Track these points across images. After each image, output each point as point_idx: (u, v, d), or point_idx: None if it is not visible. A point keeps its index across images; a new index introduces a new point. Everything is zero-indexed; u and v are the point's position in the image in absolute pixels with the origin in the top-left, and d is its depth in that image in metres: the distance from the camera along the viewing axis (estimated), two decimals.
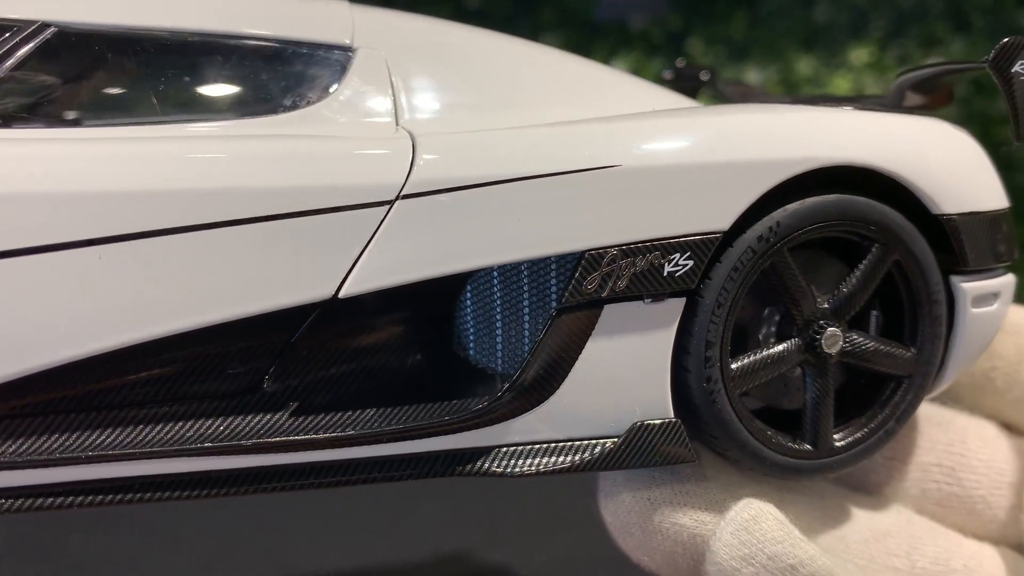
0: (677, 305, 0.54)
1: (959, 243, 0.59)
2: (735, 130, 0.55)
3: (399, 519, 1.00)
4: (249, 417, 0.50)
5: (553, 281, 0.53)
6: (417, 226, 0.50)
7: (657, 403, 0.55)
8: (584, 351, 0.53)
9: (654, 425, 0.55)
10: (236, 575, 1.08)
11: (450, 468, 0.53)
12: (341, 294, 0.49)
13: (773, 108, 0.59)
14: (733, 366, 0.56)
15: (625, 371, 0.55)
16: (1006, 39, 0.58)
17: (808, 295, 0.57)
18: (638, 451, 0.55)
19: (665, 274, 0.53)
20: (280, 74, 0.56)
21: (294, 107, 0.55)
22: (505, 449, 0.54)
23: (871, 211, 0.56)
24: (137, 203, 0.46)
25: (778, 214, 0.54)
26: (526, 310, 0.54)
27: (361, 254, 0.49)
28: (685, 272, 0.53)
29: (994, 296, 0.61)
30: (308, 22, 0.58)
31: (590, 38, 1.52)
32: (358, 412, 0.52)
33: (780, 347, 0.57)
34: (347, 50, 0.57)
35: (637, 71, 1.51)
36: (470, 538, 0.96)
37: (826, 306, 0.58)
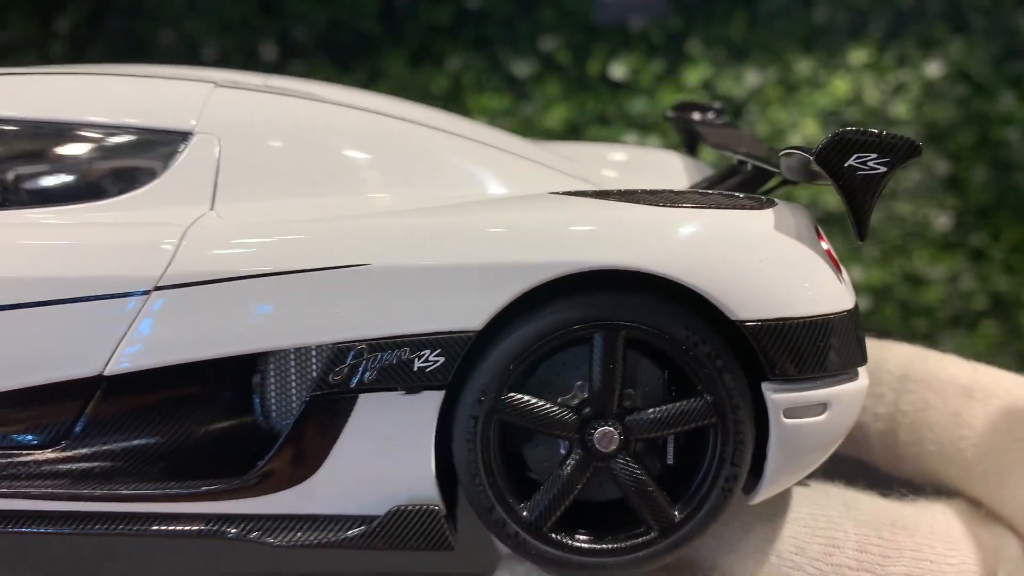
0: (435, 397, 0.55)
1: (761, 351, 0.55)
2: (488, 232, 0.56)
3: None
4: (44, 468, 0.56)
5: (308, 369, 0.56)
6: (172, 315, 0.55)
7: (421, 488, 0.57)
8: (342, 436, 0.56)
9: (413, 510, 0.56)
10: (235, 575, 1.08)
11: (215, 531, 0.57)
12: (106, 372, 0.55)
13: (554, 206, 0.58)
14: (526, 514, 0.56)
15: (385, 457, 0.56)
16: (837, 130, 0.54)
17: (555, 418, 0.56)
18: (395, 534, 0.57)
19: (415, 369, 0.54)
20: (113, 161, 0.60)
21: (119, 193, 0.59)
22: (268, 520, 0.57)
23: (581, 311, 0.55)
24: None
25: (482, 378, 0.55)
26: (292, 393, 0.57)
27: (123, 338, 0.55)
28: (437, 368, 0.54)
29: (820, 407, 0.57)
30: (154, 107, 0.61)
31: (590, 39, 1.52)
32: (141, 472, 0.56)
33: (563, 473, 0.56)
34: (185, 135, 0.60)
35: (636, 72, 1.51)
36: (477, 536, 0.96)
37: (585, 411, 0.56)
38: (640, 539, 0.57)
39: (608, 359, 0.56)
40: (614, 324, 0.55)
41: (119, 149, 0.60)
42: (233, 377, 0.57)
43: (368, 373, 0.54)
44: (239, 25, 1.52)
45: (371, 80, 1.51)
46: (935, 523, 0.62)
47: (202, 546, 1.13)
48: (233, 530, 0.57)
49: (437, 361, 0.54)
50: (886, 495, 0.65)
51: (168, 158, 0.59)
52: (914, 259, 1.48)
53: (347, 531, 0.57)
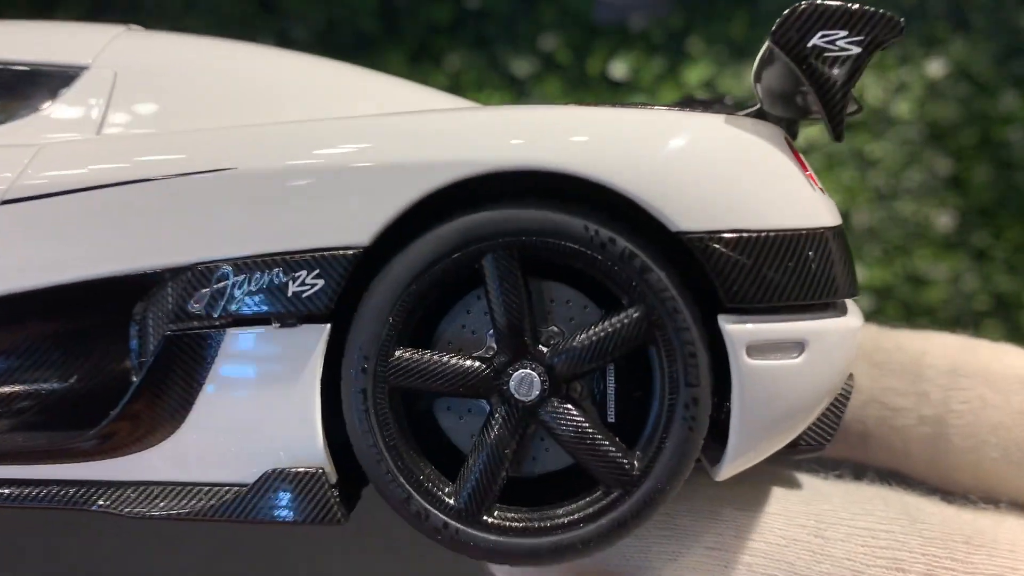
0: (317, 333, 0.47)
1: (713, 271, 0.45)
2: (373, 130, 0.48)
3: (395, 522, 0.99)
4: None
5: (168, 299, 0.48)
6: (18, 233, 0.49)
7: (303, 448, 0.48)
8: (207, 383, 0.48)
9: (291, 473, 0.48)
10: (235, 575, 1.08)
11: (66, 499, 0.49)
12: None
13: (455, 111, 0.51)
14: (452, 500, 0.47)
15: (259, 409, 0.48)
16: (795, 5, 0.45)
17: (460, 371, 0.47)
18: (268, 503, 0.48)
19: (290, 294, 0.46)
20: (3, 93, 0.57)
21: (4, 121, 0.55)
22: (125, 487, 0.49)
23: (459, 232, 0.46)
24: None
25: (361, 337, 0.46)
26: (152, 329, 0.49)
27: None
28: (314, 293, 0.46)
29: (795, 346, 0.47)
30: (55, 45, 0.58)
31: (590, 38, 1.52)
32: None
33: (488, 439, 0.47)
34: (78, 69, 0.57)
35: (637, 71, 1.51)
36: None
37: (498, 360, 0.47)
38: (600, 503, 0.47)
39: (505, 285, 0.46)
40: (499, 241, 0.46)
41: (9, 83, 0.57)
42: (106, 314, 0.49)
43: (235, 300, 0.46)
44: (238, 23, 1.51)
45: None
46: (1016, 539, 0.52)
47: (201, 546, 1.12)
48: (88, 499, 0.49)
49: (314, 284, 0.46)
50: (950, 500, 0.55)
51: (58, 90, 0.56)
52: (916, 259, 1.47)
53: (212, 500, 0.48)
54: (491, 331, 0.48)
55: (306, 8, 1.51)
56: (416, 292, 0.46)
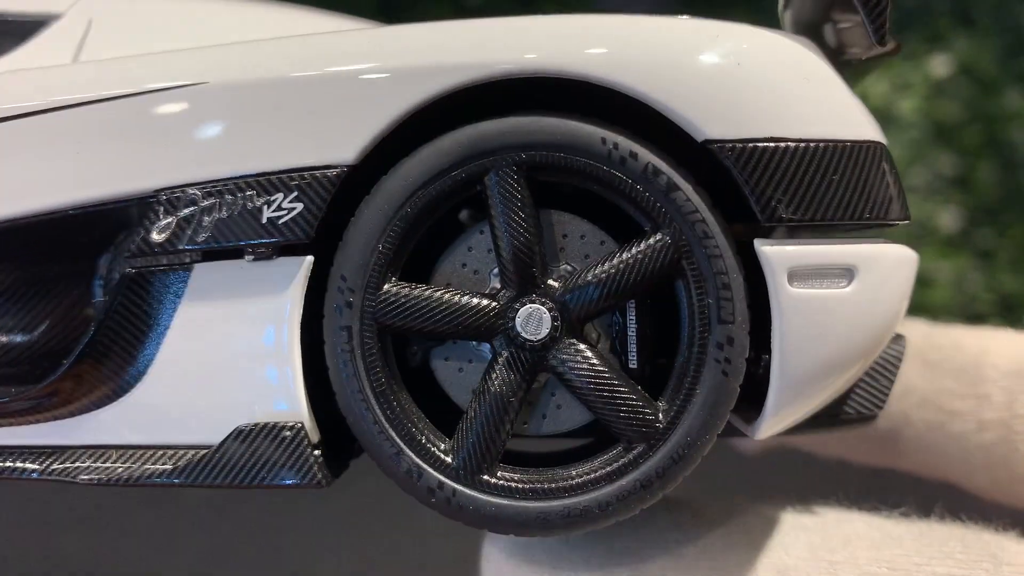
0: (296, 266, 0.42)
1: (746, 184, 0.41)
2: (361, 40, 0.44)
3: (394, 523, 0.99)
4: None
5: (130, 233, 0.43)
6: None
7: (280, 401, 0.43)
8: (172, 328, 0.42)
9: (264, 428, 0.42)
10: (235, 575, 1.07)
11: (14, 465, 0.43)
12: None
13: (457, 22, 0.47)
14: (449, 458, 0.42)
15: (230, 357, 0.43)
16: None
17: (460, 307, 0.42)
18: (238, 464, 0.42)
19: (264, 220, 0.42)
20: None
21: None
22: (78, 450, 0.43)
23: (459, 147, 0.42)
24: None
25: (345, 265, 0.41)
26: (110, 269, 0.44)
27: None
28: (292, 219, 0.41)
29: (843, 272, 0.42)
30: None
31: None
32: None
33: (492, 385, 0.42)
34: (51, 17, 0.53)
35: None
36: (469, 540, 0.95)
37: (503, 295, 0.42)
38: (621, 460, 0.42)
39: (512, 208, 0.41)
40: (505, 156, 0.41)
41: None
42: (67, 258, 0.45)
43: (203, 229, 0.41)
44: None
45: None
46: None
47: (205, 545, 1.12)
48: (37, 465, 0.43)
49: (292, 208, 0.41)
50: None
51: (26, 36, 0.53)
52: (920, 257, 1.47)
53: (176, 463, 0.42)
54: (495, 271, 0.43)
55: (305, 4, 1.51)
56: (410, 216, 0.42)
